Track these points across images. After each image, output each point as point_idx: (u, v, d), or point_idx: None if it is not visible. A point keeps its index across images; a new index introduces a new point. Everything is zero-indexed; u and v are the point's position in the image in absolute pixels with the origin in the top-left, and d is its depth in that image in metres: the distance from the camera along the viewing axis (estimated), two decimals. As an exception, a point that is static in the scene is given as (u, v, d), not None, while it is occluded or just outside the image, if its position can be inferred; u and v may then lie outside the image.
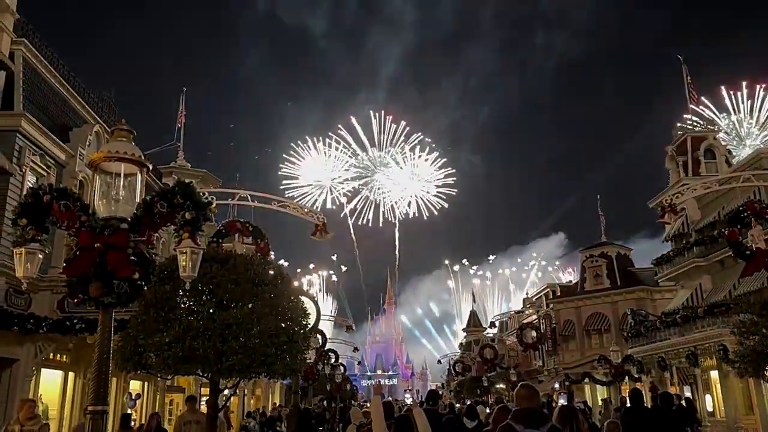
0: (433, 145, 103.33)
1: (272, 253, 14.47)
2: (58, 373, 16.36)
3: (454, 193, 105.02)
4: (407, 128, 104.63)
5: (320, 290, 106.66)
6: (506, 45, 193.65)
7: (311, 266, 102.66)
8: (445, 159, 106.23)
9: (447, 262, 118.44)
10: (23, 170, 15.15)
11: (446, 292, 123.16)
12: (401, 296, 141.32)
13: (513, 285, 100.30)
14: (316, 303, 20.87)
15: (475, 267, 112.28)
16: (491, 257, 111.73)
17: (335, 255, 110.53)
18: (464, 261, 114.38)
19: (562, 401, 33.00)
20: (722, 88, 48.73)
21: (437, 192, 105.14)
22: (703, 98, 42.62)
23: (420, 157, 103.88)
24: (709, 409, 24.89)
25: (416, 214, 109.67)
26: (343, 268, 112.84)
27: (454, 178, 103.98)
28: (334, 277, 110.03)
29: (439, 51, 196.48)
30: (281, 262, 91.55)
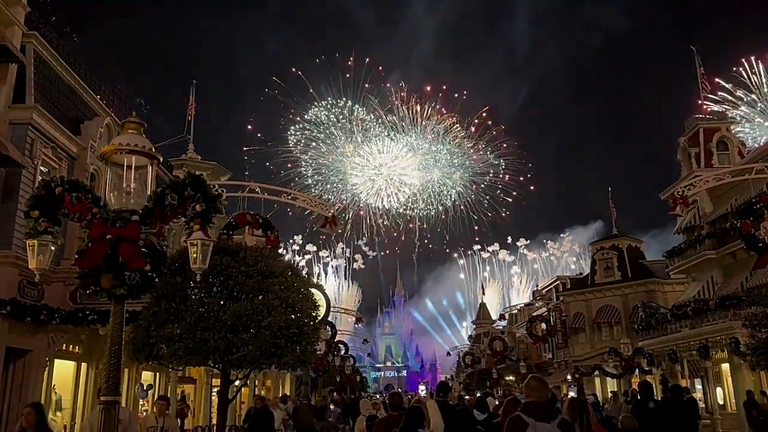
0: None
1: (300, 236, 14.63)
2: (71, 364, 16.52)
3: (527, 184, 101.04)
4: (447, 113, 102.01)
5: (345, 277, 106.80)
6: (550, 20, 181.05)
7: (338, 250, 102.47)
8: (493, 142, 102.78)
9: (477, 247, 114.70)
10: (35, 163, 15.25)
11: (467, 280, 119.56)
12: (426, 284, 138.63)
13: (543, 272, 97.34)
14: (326, 295, 20.97)
15: (505, 251, 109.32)
16: (524, 243, 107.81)
17: (363, 239, 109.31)
18: (495, 245, 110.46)
19: (572, 393, 33.00)
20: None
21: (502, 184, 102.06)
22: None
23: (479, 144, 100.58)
24: (720, 402, 24.79)
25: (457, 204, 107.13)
26: (371, 254, 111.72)
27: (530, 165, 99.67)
28: (360, 264, 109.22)
29: (478, 26, 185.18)
30: (308, 247, 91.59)
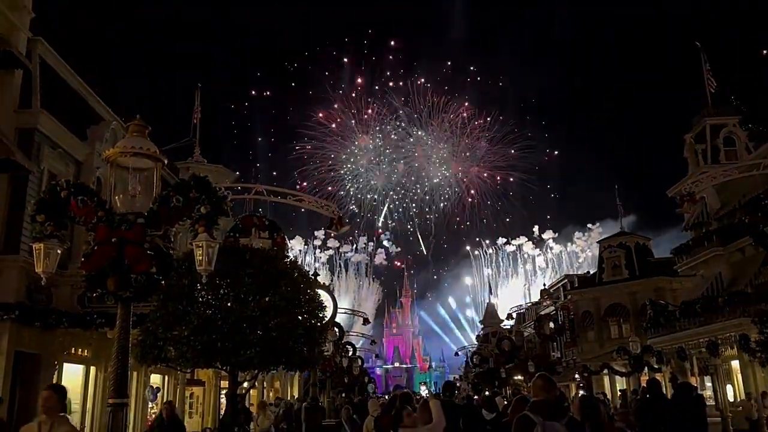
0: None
1: (321, 230, 14.65)
2: (80, 368, 16.58)
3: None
4: (462, 104, 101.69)
5: (366, 274, 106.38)
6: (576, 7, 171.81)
7: (359, 245, 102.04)
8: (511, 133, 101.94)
9: (502, 241, 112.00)
10: (42, 167, 15.32)
11: (486, 277, 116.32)
12: (438, 284, 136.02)
13: (567, 266, 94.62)
14: (333, 296, 20.96)
15: (531, 244, 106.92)
16: (551, 236, 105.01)
17: (386, 233, 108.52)
18: (521, 239, 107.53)
19: (581, 392, 32.89)
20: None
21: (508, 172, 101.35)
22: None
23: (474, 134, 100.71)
24: (731, 399, 24.64)
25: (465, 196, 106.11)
26: (395, 250, 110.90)
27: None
28: (383, 259, 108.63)
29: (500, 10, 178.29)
30: (329, 243, 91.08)
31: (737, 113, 30.07)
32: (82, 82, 18.35)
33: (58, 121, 15.88)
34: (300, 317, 10.02)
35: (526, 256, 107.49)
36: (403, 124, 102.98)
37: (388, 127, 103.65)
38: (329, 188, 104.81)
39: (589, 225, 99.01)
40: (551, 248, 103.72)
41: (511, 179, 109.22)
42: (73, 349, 15.74)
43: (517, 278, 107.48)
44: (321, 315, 10.95)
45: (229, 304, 9.57)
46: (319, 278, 17.00)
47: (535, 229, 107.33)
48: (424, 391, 78.81)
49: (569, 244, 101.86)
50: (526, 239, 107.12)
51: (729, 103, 30.86)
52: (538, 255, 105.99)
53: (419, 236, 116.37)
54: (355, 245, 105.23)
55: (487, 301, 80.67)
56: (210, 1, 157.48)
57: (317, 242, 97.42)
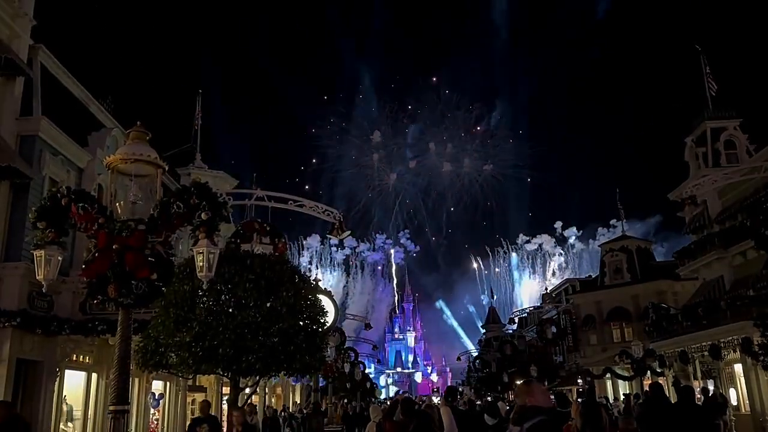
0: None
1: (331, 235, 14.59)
2: (82, 374, 16.55)
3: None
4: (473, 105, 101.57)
5: (383, 275, 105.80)
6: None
7: (379, 244, 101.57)
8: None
9: (524, 237, 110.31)
10: (43, 174, 15.34)
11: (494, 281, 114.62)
12: (443, 288, 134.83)
13: (588, 266, 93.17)
14: (334, 301, 20.96)
15: (552, 241, 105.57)
16: (574, 234, 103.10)
17: (405, 230, 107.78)
18: (542, 237, 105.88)
19: (581, 398, 32.76)
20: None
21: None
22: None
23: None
24: (734, 402, 24.55)
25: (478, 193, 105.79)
26: (413, 249, 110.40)
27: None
28: (400, 258, 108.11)
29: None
30: (347, 242, 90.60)
31: (738, 116, 30.05)
32: (83, 89, 18.37)
33: (59, 128, 15.89)
34: (301, 323, 10.01)
35: (546, 255, 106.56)
36: (414, 123, 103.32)
37: (400, 123, 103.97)
38: (338, 188, 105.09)
39: (613, 221, 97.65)
40: (573, 246, 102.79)
41: (529, 179, 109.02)
42: (74, 355, 15.71)
43: (536, 277, 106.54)
44: (322, 320, 10.95)
45: (230, 310, 9.57)
46: (332, 279, 17.03)
47: (558, 225, 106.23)
48: (436, 398, 78.46)
49: (591, 240, 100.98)
50: (549, 236, 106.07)
51: (729, 105, 30.83)
52: (559, 254, 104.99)
53: (429, 237, 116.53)
54: (372, 244, 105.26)
55: (490, 304, 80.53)
56: (212, 5, 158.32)
57: (334, 241, 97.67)
